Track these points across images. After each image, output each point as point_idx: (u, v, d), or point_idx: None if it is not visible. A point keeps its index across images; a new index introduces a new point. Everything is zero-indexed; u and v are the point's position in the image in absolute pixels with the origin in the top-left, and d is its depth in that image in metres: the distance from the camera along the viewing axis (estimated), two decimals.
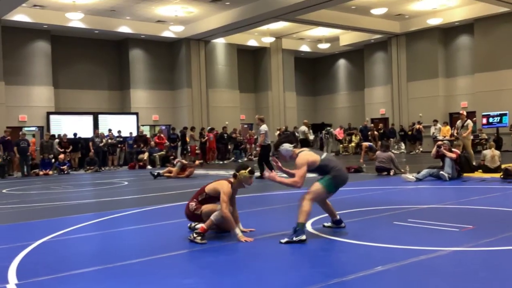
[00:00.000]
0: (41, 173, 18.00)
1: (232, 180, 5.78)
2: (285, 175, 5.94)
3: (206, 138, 21.85)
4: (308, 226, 6.13)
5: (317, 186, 5.45)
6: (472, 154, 13.71)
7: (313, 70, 32.56)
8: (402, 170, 12.71)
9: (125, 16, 22.07)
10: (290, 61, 29.07)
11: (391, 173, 12.70)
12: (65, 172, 18.33)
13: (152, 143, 20.95)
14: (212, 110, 25.39)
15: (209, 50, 25.55)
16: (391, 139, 24.10)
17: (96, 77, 23.81)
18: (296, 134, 25.11)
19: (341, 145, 26.35)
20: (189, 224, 6.16)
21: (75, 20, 20.58)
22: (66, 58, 22.84)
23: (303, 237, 5.26)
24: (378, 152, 13.61)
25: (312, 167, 5.44)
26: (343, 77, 31.32)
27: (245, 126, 27.52)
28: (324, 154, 5.64)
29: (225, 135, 23.03)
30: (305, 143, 16.14)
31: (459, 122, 14.34)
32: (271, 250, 5.22)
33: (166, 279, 4.19)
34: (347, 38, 27.75)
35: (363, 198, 8.72)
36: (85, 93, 23.40)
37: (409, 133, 24.51)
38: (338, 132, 26.45)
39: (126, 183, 13.70)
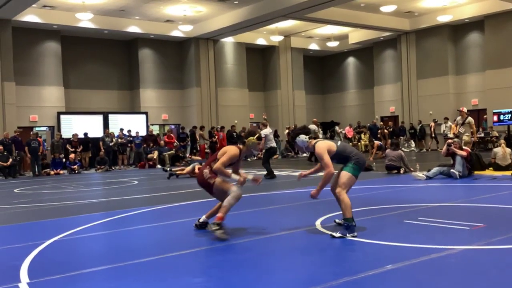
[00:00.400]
0: (52, 172, 18.14)
1: (241, 146, 5.96)
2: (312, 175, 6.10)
3: (216, 137, 21.90)
4: (318, 224, 6.13)
5: (346, 176, 5.56)
6: (467, 150, 13.63)
7: (322, 68, 32.49)
8: (412, 169, 12.64)
9: (134, 16, 22.16)
10: (299, 60, 29.03)
11: (401, 171, 12.65)
12: (76, 171, 18.46)
13: (162, 142, 21.03)
14: (221, 109, 25.42)
15: (218, 49, 25.58)
16: (401, 137, 24.00)
17: (106, 77, 23.94)
18: None
19: (350, 144, 26.31)
20: (195, 223, 6.17)
21: (85, 21, 20.70)
22: (76, 58, 22.98)
23: (355, 233, 5.35)
24: (388, 150, 13.55)
25: (330, 154, 5.55)
26: (352, 75, 31.22)
27: (254, 125, 27.52)
28: (339, 142, 5.79)
29: (234, 134, 23.06)
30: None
31: (459, 119, 14.28)
32: (280, 249, 5.23)
33: (175, 278, 4.21)
34: (356, 36, 27.65)
35: (373, 197, 8.69)
36: (95, 93, 23.53)
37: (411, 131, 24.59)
38: (347, 131, 26.43)
39: (136, 182, 13.76)
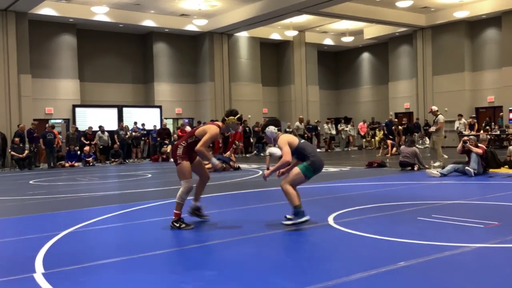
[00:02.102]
0: (67, 164, 18.32)
1: (220, 124, 6.09)
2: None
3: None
4: (330, 220, 6.13)
5: (295, 171, 5.77)
6: (440, 153, 13.53)
7: (336, 63, 32.33)
8: (427, 166, 12.55)
9: (149, 10, 22.23)
10: (313, 55, 28.90)
11: (415, 168, 12.57)
12: (90, 164, 18.62)
13: (175, 135, 21.11)
14: (234, 104, 25.41)
15: (232, 43, 25.57)
16: (416, 134, 23.83)
17: (120, 71, 24.07)
18: (318, 129, 25.06)
19: (364, 140, 26.19)
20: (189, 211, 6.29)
21: (100, 14, 20.81)
22: (91, 52, 23.14)
23: (307, 217, 5.56)
24: (402, 147, 13.48)
25: (291, 148, 5.78)
26: (366, 70, 31.02)
27: (267, 119, 27.51)
28: (302, 141, 5.96)
29: (247, 128, 23.09)
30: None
31: (435, 119, 14.14)
32: (293, 244, 5.24)
33: (188, 271, 4.24)
34: (371, 31, 27.45)
35: (387, 193, 8.66)
36: (110, 86, 23.68)
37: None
38: (361, 127, 26.30)
39: (149, 175, 13.85)
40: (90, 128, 20.06)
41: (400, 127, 22.79)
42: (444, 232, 5.43)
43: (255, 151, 23.12)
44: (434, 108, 14.35)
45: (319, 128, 25.21)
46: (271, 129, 5.97)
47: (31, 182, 12.82)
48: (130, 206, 7.80)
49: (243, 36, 25.82)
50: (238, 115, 6.06)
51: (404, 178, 11.04)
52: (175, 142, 6.24)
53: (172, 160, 6.14)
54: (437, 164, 13.10)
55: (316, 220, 6.21)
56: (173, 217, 5.89)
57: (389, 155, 18.45)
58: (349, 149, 25.17)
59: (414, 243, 4.94)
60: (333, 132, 25.13)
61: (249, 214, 7.00)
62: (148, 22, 22.81)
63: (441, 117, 13.84)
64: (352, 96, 31.56)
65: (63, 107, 21.66)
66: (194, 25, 23.57)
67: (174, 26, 23.56)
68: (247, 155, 22.50)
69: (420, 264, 4.20)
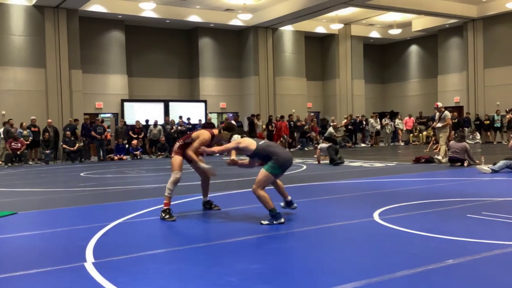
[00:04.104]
0: (115, 158, 18.83)
1: (215, 132, 6.60)
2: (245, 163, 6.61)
3: (275, 126, 22.01)
4: (376, 216, 6.04)
5: (262, 173, 5.93)
6: (444, 149, 13.22)
7: (383, 56, 31.72)
8: (477, 161, 12.17)
9: (195, 5, 22.47)
10: (359, 48, 28.47)
11: (465, 164, 12.21)
12: (138, 157, 19.06)
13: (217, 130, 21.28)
14: (278, 98, 25.41)
15: (276, 37, 25.52)
16: (466, 129, 23.13)
17: (167, 66, 24.47)
18: (363, 124, 24.71)
19: (411, 135, 25.64)
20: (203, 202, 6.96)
21: (148, 10, 21.20)
22: (139, 47, 23.62)
23: (282, 220, 5.75)
24: (452, 142, 13.11)
25: (247, 152, 6.09)
26: (414, 63, 30.30)
27: (312, 114, 27.34)
28: (262, 142, 6.19)
29: (291, 123, 23.04)
30: (332, 140, 16.02)
31: (437, 114, 13.82)
32: (336, 239, 5.20)
33: (233, 263, 4.28)
34: (420, 23, 26.76)
35: (435, 190, 8.45)
36: (156, 81, 24.13)
37: (486, 122, 23.49)
38: (406, 121, 25.77)
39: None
40: (138, 122, 20.52)
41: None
42: (494, 230, 5.27)
43: (299, 146, 23.04)
44: (439, 104, 14.09)
45: (364, 122, 24.86)
46: (235, 137, 6.30)
47: (81, 174, 13.25)
48: (176, 198, 7.92)
49: (287, 30, 25.72)
50: (232, 133, 6.41)
51: (454, 174, 10.75)
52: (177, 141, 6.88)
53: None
54: (444, 160, 12.93)
55: (361, 216, 6.14)
56: (163, 207, 6.33)
57: (437, 150, 17.94)
58: (396, 144, 24.71)
59: (463, 240, 4.81)
60: (378, 127, 24.73)
61: (292, 209, 6.99)
62: (194, 18, 23.07)
63: (448, 114, 13.64)
64: (399, 90, 30.91)
65: (112, 101, 22.25)
66: (239, 20, 23.66)
67: (219, 21, 23.72)
68: (291, 150, 22.45)
69: (469, 262, 4.10)
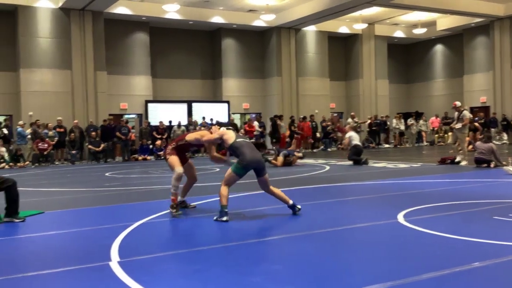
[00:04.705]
0: (140, 158, 19.04)
1: (212, 130, 6.97)
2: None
3: (297, 127, 21.96)
4: (400, 218, 5.98)
5: (227, 172, 6.33)
6: (465, 150, 12.95)
7: (407, 56, 31.35)
8: (504, 163, 11.93)
9: (218, 7, 22.58)
10: (382, 48, 28.20)
11: (492, 165, 11.98)
12: (162, 157, 19.22)
13: (242, 131, 21.34)
14: (301, 99, 25.34)
15: (299, 38, 25.46)
16: (492, 129, 22.71)
17: (190, 67, 24.63)
18: (388, 124, 24.48)
19: (436, 135, 25.29)
20: None
21: (172, 12, 21.39)
22: (162, 49, 23.83)
23: (225, 218, 6.02)
24: (478, 143, 12.89)
25: (226, 145, 6.47)
26: (439, 63, 29.87)
27: (335, 114, 27.19)
28: (240, 139, 6.48)
29: (313, 123, 22.96)
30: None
31: (456, 114, 13.43)
32: (359, 241, 5.16)
33: (254, 264, 4.29)
34: (445, 22, 26.37)
35: (461, 191, 8.32)
36: (180, 82, 24.30)
37: None
38: (432, 121, 25.42)
39: (217, 169, 14.09)
40: (161, 123, 20.70)
41: (476, 123, 21.74)
42: None
43: (322, 146, 22.94)
44: (458, 103, 13.76)
45: (388, 123, 24.62)
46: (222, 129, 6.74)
47: (106, 174, 13.43)
48: (199, 199, 7.98)
49: (310, 30, 25.63)
50: (221, 127, 6.80)
51: (480, 176, 10.56)
52: (167, 145, 7.39)
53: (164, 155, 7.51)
54: (464, 163, 12.74)
55: (385, 217, 6.08)
56: (171, 203, 6.64)
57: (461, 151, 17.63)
58: (420, 145, 24.41)
59: (489, 243, 4.72)
60: (402, 127, 24.46)
61: (315, 210, 6.97)
62: (217, 19, 23.17)
63: (466, 113, 13.32)
64: (424, 90, 30.51)
65: (136, 102, 22.50)
66: (261, 21, 23.68)
67: (242, 22, 23.78)
68: (314, 150, 22.37)
69: (496, 265, 4.02)
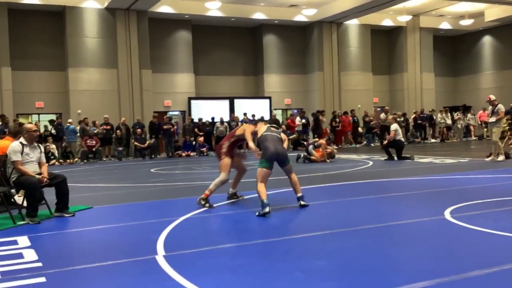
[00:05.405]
0: (183, 154, 19.33)
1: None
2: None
3: (339, 122, 21.76)
4: (447, 214, 5.84)
5: (257, 170, 6.65)
6: (498, 144, 12.41)
7: (453, 48, 30.46)
8: None
9: (259, 3, 22.59)
10: (428, 40, 27.50)
11: None
12: (205, 153, 19.46)
13: (284, 126, 21.30)
14: (344, 94, 25.06)
15: (341, 32, 25.16)
16: None
17: (232, 63, 24.77)
18: (434, 118, 23.90)
19: (485, 129, 24.48)
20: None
21: (213, 9, 21.58)
22: (205, 46, 24.07)
23: (266, 209, 6.13)
24: None
25: (256, 137, 7.03)
26: (488, 55, 28.86)
27: (378, 109, 26.74)
28: (268, 133, 6.87)
29: (355, 118, 22.68)
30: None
31: (490, 108, 12.72)
32: (405, 237, 5.08)
33: (299, 259, 4.30)
34: (493, 13, 25.45)
35: (510, 187, 8.04)
36: (222, 79, 24.49)
37: None
38: (480, 115, 24.63)
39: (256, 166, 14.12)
40: (200, 119, 20.88)
41: None
42: None
43: (365, 142, 22.64)
44: (492, 97, 13.11)
45: (434, 117, 24.03)
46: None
47: (152, 170, 13.71)
48: (244, 194, 8.03)
49: (352, 24, 25.29)
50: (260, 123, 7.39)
51: None
52: (220, 142, 7.67)
53: (216, 151, 7.73)
54: (501, 158, 12.16)
55: (432, 214, 5.96)
56: (203, 196, 6.99)
57: (503, 144, 17.00)
58: (468, 139, 23.71)
59: None
60: (448, 121, 23.82)
61: (359, 206, 6.90)
62: (258, 15, 23.20)
63: (501, 107, 12.69)
64: (472, 83, 29.57)
65: (180, 99, 22.84)
66: (303, 15, 23.54)
67: (284, 17, 23.72)
68: (357, 146, 22.12)
69: None
